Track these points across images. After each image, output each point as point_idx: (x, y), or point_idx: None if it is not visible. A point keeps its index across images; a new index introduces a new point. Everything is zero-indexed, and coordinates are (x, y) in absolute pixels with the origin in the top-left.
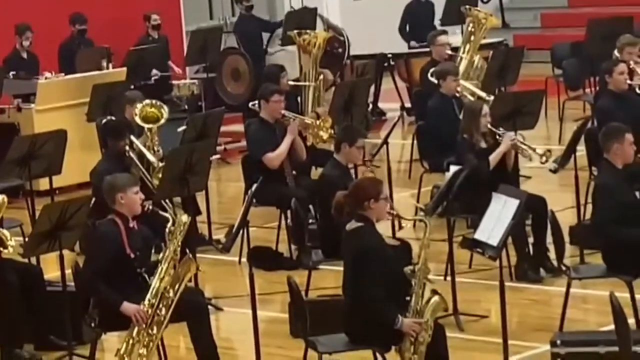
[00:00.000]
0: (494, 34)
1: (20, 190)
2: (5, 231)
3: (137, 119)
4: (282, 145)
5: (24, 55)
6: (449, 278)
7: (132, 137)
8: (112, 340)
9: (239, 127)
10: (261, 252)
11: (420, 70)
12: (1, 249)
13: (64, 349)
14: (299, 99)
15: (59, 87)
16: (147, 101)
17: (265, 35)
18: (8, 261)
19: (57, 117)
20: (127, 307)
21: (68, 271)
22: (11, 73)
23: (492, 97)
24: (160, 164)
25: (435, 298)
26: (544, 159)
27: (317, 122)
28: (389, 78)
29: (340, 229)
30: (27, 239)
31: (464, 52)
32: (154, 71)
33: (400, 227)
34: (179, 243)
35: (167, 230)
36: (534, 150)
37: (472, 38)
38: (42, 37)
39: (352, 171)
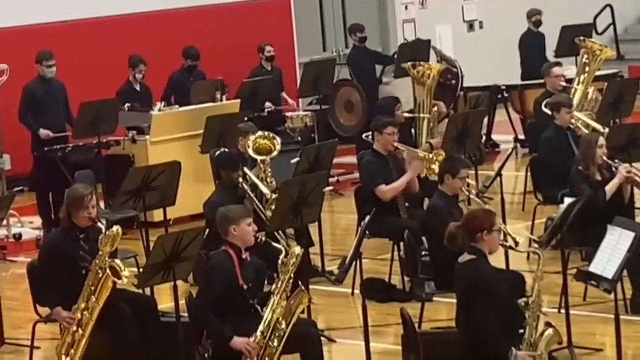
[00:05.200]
0: (609, 65)
1: (135, 222)
2: (119, 262)
3: (251, 151)
4: (400, 181)
5: (138, 87)
6: (563, 311)
7: (246, 169)
8: None
9: (352, 159)
10: (374, 283)
11: (534, 102)
12: (116, 279)
13: None
14: (412, 130)
15: (173, 119)
16: (261, 133)
17: (378, 67)
18: (122, 292)
19: (171, 149)
20: (237, 341)
21: (182, 302)
22: (126, 105)
23: (606, 130)
24: (274, 196)
25: (550, 331)
26: None
27: (430, 155)
28: (502, 110)
29: (453, 261)
30: (141, 270)
31: (578, 84)
32: (268, 104)
33: (517, 244)
34: (292, 275)
35: (280, 261)
36: None
37: (587, 70)
38: (153, 69)
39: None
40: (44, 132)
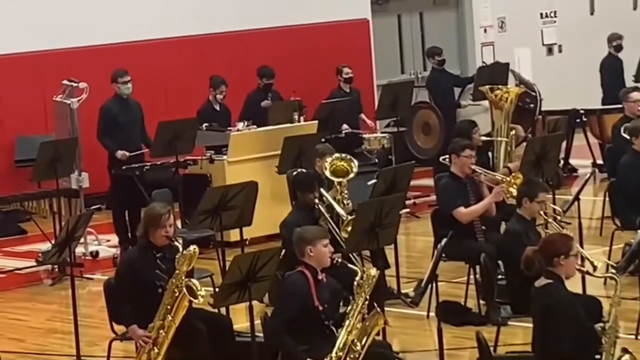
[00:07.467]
0: None
1: (211, 241)
2: (195, 281)
3: (327, 173)
4: (479, 205)
5: (217, 107)
6: None
7: (322, 190)
8: None
9: (429, 182)
10: (450, 306)
11: (612, 127)
12: (192, 299)
13: None
14: (490, 154)
15: (251, 139)
16: (338, 155)
17: (456, 90)
18: (198, 311)
19: (248, 169)
20: None
21: (257, 322)
22: (204, 125)
23: None
24: (349, 217)
25: (626, 357)
26: None
27: (508, 178)
28: (581, 134)
29: (529, 284)
30: (217, 290)
31: None
32: (344, 126)
33: (595, 268)
34: (368, 296)
35: (355, 283)
36: None
37: None
38: (230, 89)
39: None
40: (120, 153)
